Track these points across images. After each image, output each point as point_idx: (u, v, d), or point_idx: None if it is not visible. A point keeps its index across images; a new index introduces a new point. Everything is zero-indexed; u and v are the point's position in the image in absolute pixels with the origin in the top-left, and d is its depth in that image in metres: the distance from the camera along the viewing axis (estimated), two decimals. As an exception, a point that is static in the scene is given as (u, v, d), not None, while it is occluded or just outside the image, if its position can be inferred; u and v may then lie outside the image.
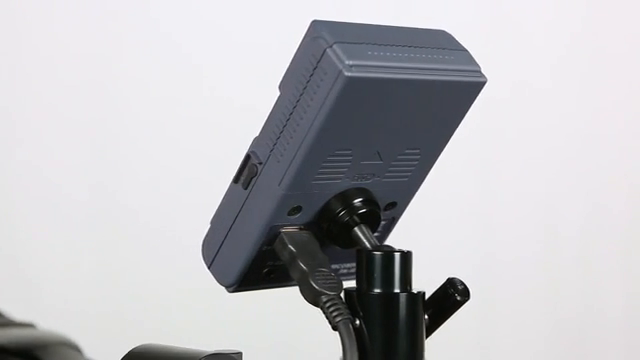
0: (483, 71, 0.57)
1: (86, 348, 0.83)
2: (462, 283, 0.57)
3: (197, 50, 1.32)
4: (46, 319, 1.28)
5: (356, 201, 0.57)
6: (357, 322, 0.54)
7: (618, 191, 1.35)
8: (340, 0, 1.30)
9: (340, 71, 0.51)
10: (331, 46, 0.52)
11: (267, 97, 1.35)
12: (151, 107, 1.32)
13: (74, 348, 0.83)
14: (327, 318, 0.54)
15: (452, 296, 0.56)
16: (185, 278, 1.29)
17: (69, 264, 1.31)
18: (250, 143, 0.56)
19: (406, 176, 0.59)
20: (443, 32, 0.58)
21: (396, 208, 0.60)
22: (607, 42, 1.35)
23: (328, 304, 0.54)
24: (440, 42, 0.57)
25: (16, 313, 1.24)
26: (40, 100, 1.32)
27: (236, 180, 0.56)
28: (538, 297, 1.34)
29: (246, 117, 1.29)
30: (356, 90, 0.52)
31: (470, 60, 0.57)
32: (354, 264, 0.61)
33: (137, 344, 1.27)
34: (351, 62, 0.51)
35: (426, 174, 0.60)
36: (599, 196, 1.36)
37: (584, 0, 1.35)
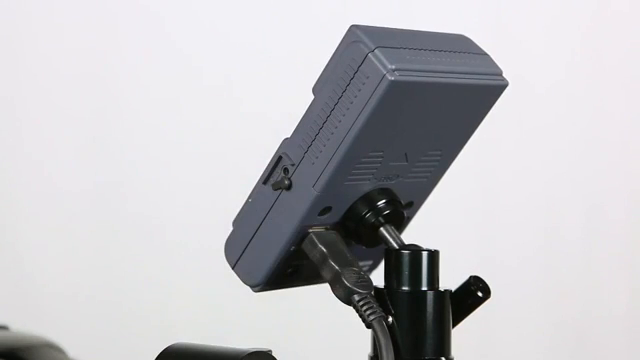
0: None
1: (86, 347, 0.82)
2: (483, 281, 0.58)
3: (200, 49, 1.32)
4: (47, 318, 1.27)
5: (381, 202, 0.58)
6: (390, 319, 0.56)
7: (619, 193, 1.37)
8: (339, 2, 1.31)
9: (384, 75, 0.52)
10: (373, 50, 0.53)
11: (269, 96, 1.35)
12: (154, 105, 1.31)
13: (57, 349, 0.82)
14: (361, 316, 0.55)
15: (474, 293, 0.58)
16: (188, 277, 1.29)
17: (71, 262, 1.30)
18: (279, 144, 0.57)
19: (426, 177, 0.60)
20: (463, 36, 0.60)
21: (412, 208, 0.62)
22: (608, 45, 1.37)
23: (361, 303, 0.55)
24: (463, 46, 0.58)
25: (16, 312, 1.22)
26: (41, 98, 1.31)
27: (265, 181, 0.57)
28: (539, 299, 1.36)
29: (248, 115, 1.31)
30: (397, 94, 0.53)
31: (492, 64, 0.59)
32: (370, 262, 0.63)
33: (139, 344, 1.26)
34: (394, 66, 0.52)
35: (442, 175, 0.62)
36: (600, 198, 1.37)
37: (587, 7, 1.37)
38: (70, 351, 0.82)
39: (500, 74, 0.58)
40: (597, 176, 1.38)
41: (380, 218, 0.58)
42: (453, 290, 0.58)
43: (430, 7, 1.34)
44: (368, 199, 0.58)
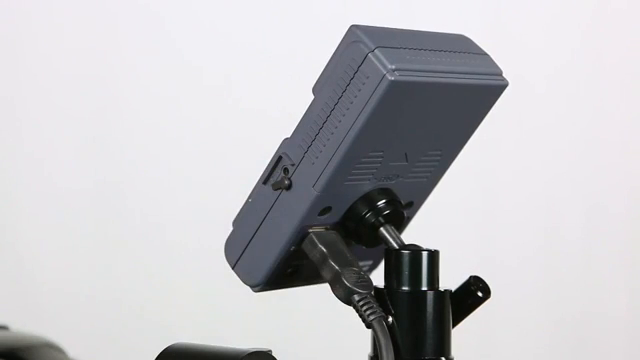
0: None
1: (86, 347, 0.82)
2: (483, 281, 0.58)
3: (200, 49, 1.32)
4: (47, 318, 1.27)
5: (381, 202, 0.58)
6: (390, 319, 0.56)
7: (619, 193, 1.37)
8: (339, 2, 1.31)
9: (384, 75, 0.52)
10: (373, 50, 0.53)
11: (269, 96, 1.35)
12: (154, 104, 1.31)
13: (57, 349, 0.82)
14: (361, 316, 0.55)
15: (474, 293, 0.58)
16: (188, 276, 1.29)
17: (71, 262, 1.30)
18: (279, 144, 0.57)
19: (426, 177, 0.60)
20: (463, 36, 0.60)
21: (412, 208, 0.62)
22: (608, 45, 1.37)
23: (361, 303, 0.55)
24: (463, 46, 0.58)
25: (16, 312, 1.22)
26: (41, 98, 1.31)
27: (265, 181, 0.57)
28: (539, 299, 1.36)
29: (248, 115, 1.31)
30: (397, 94, 0.53)
31: (492, 64, 0.59)
32: (370, 262, 0.63)
33: (139, 344, 1.26)
34: (394, 66, 0.53)
35: (442, 175, 0.62)
36: (600, 197, 1.37)
37: (586, 7, 1.37)
38: (70, 351, 0.82)
39: (500, 74, 0.59)
40: (597, 176, 1.37)
41: (380, 218, 0.58)
42: (453, 290, 0.58)
43: (430, 7, 1.34)
44: (368, 199, 0.58)
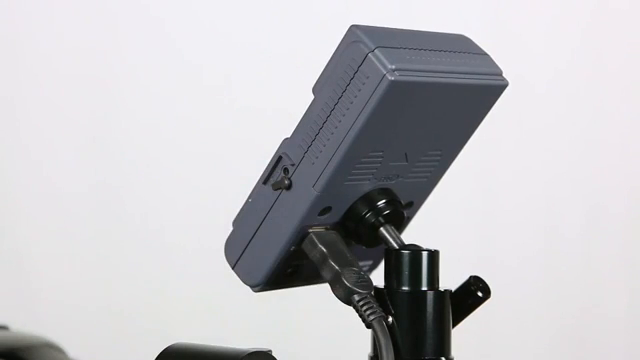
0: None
1: (86, 347, 0.82)
2: (483, 281, 0.59)
3: (200, 49, 1.32)
4: (47, 318, 1.27)
5: (381, 202, 0.58)
6: (390, 319, 0.56)
7: (619, 193, 1.37)
8: (340, 2, 1.31)
9: (384, 75, 0.52)
10: (373, 50, 0.53)
11: (269, 96, 1.35)
12: (154, 105, 1.31)
13: (57, 349, 0.82)
14: (361, 316, 0.55)
15: (474, 293, 0.58)
16: (188, 277, 1.29)
17: (71, 262, 1.30)
18: (279, 144, 0.57)
19: (426, 177, 0.60)
20: (463, 36, 0.60)
21: (412, 208, 0.62)
22: (608, 45, 1.37)
23: (361, 303, 0.55)
24: (463, 46, 0.58)
25: (16, 312, 1.22)
26: (41, 98, 1.31)
27: (265, 181, 0.57)
28: (539, 299, 1.36)
29: (248, 115, 1.31)
30: (397, 94, 0.53)
31: (492, 64, 0.59)
32: (370, 262, 0.63)
33: (139, 344, 1.26)
34: (394, 66, 0.53)
35: (442, 175, 0.62)
36: (600, 197, 1.37)
37: (586, 7, 1.37)
38: (70, 351, 0.82)
39: (500, 74, 0.59)
40: (597, 176, 1.38)
41: (380, 218, 0.58)
42: (453, 290, 0.58)
43: (430, 7, 1.34)
44: (368, 199, 0.58)
